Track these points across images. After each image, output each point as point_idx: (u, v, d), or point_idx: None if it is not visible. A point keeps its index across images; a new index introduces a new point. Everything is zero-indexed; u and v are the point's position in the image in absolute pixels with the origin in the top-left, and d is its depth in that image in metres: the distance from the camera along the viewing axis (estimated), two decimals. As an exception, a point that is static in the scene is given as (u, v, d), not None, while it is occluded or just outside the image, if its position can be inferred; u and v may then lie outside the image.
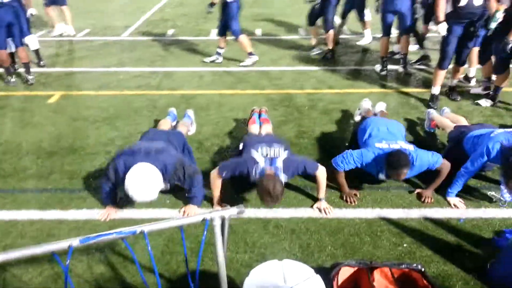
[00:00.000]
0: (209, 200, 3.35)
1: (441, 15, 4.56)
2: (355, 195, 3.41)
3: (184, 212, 3.25)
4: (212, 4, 6.28)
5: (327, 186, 3.33)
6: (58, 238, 2.56)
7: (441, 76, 4.92)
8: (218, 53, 6.53)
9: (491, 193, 3.42)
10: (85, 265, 2.77)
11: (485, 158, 3.21)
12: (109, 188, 3.16)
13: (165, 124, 4.09)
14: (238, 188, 3.49)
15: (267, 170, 3.03)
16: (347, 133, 4.39)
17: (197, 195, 3.23)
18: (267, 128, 4.03)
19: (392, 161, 3.11)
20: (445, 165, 3.29)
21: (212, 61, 6.53)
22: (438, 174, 3.31)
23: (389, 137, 3.41)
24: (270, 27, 8.56)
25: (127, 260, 2.80)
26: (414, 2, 5.62)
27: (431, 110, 4.45)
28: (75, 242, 1.69)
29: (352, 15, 7.05)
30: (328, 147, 4.13)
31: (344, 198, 3.38)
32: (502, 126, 4.42)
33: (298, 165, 3.18)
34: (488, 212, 3.24)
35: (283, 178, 3.08)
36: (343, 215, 3.22)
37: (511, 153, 2.96)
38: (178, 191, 3.37)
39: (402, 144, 3.31)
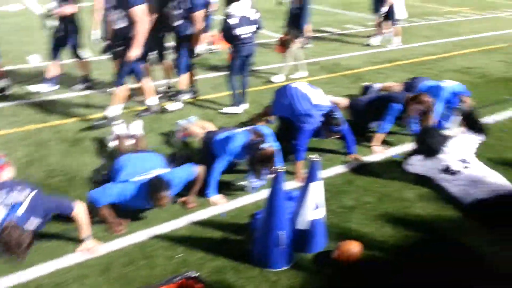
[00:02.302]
0: None
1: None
2: (122, 223, 3.29)
3: None
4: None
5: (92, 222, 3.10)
6: None
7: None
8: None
9: (241, 183, 3.88)
10: None
11: (230, 156, 3.65)
12: None
13: None
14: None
15: (6, 222, 2.59)
16: (102, 161, 4.20)
17: None
18: (7, 175, 3.46)
19: (153, 188, 3.13)
20: (200, 171, 3.54)
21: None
22: (195, 180, 3.53)
23: (144, 170, 3.39)
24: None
25: None
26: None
27: (181, 121, 4.73)
28: None
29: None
30: (85, 181, 3.85)
31: (112, 229, 3.22)
32: (240, 124, 5.11)
33: (49, 205, 2.86)
34: (242, 201, 3.67)
35: (31, 224, 2.69)
36: (113, 247, 3.06)
37: (251, 149, 3.50)
38: None
39: (157, 172, 3.35)
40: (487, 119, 5.45)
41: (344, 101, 5.21)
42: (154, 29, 5.17)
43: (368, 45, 9.18)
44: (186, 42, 5.30)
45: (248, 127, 3.88)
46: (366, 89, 6.00)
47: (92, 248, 3.00)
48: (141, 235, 3.19)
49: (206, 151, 4.09)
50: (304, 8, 6.54)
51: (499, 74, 7.49)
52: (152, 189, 3.13)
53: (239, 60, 5.36)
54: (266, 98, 5.94)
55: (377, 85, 5.86)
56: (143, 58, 5.06)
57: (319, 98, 4.30)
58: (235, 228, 3.30)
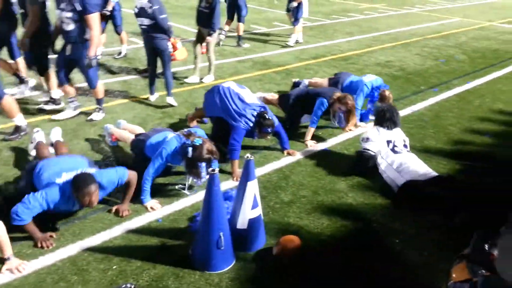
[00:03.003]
0: None
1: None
2: (51, 236, 3.07)
3: None
4: None
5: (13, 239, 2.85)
6: None
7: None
8: None
9: (179, 185, 3.80)
10: None
11: (164, 160, 3.56)
12: None
13: None
14: None
15: None
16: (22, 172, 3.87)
17: None
18: None
19: (78, 183, 2.99)
20: (132, 176, 3.40)
21: None
22: (127, 186, 3.39)
23: (69, 168, 3.21)
24: None
25: None
26: None
27: (108, 125, 4.51)
28: None
29: None
30: (4, 195, 3.53)
31: (40, 245, 2.99)
32: (172, 125, 5.00)
33: None
34: (180, 204, 3.58)
35: None
36: (41, 264, 2.84)
37: (184, 152, 3.46)
38: None
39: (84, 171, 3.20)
40: (408, 109, 5.85)
41: (274, 97, 5.31)
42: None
43: (287, 45, 9.19)
44: (84, 48, 4.68)
45: (180, 131, 3.79)
46: (296, 84, 6.18)
47: (18, 266, 2.75)
48: (72, 248, 2.99)
49: (138, 156, 3.96)
50: (214, 7, 6.38)
51: (416, 66, 8.06)
52: (79, 183, 2.99)
53: (147, 50, 5.60)
54: (197, 97, 5.87)
55: (306, 81, 6.06)
56: None
57: (250, 97, 4.34)
58: (173, 233, 3.21)
